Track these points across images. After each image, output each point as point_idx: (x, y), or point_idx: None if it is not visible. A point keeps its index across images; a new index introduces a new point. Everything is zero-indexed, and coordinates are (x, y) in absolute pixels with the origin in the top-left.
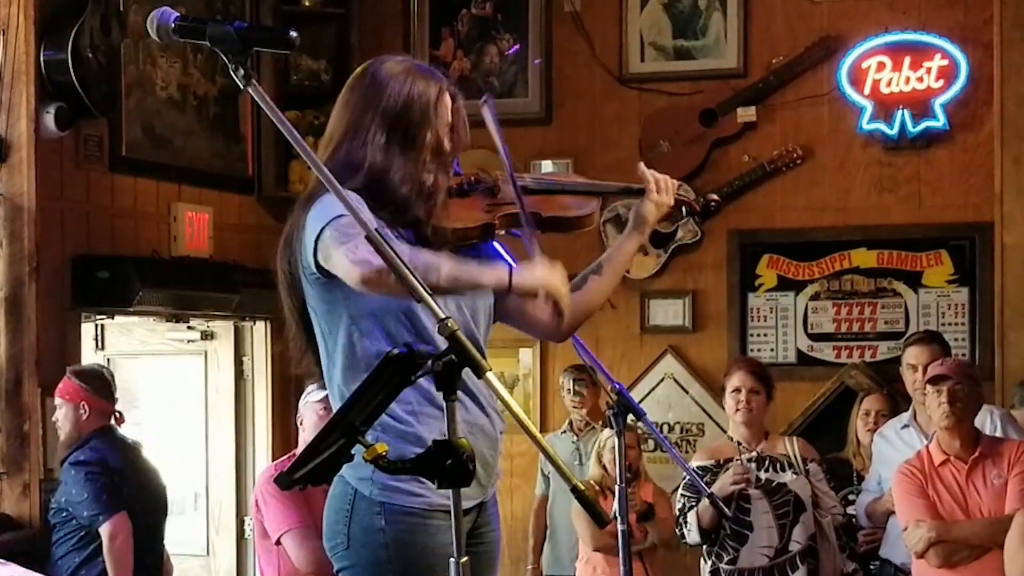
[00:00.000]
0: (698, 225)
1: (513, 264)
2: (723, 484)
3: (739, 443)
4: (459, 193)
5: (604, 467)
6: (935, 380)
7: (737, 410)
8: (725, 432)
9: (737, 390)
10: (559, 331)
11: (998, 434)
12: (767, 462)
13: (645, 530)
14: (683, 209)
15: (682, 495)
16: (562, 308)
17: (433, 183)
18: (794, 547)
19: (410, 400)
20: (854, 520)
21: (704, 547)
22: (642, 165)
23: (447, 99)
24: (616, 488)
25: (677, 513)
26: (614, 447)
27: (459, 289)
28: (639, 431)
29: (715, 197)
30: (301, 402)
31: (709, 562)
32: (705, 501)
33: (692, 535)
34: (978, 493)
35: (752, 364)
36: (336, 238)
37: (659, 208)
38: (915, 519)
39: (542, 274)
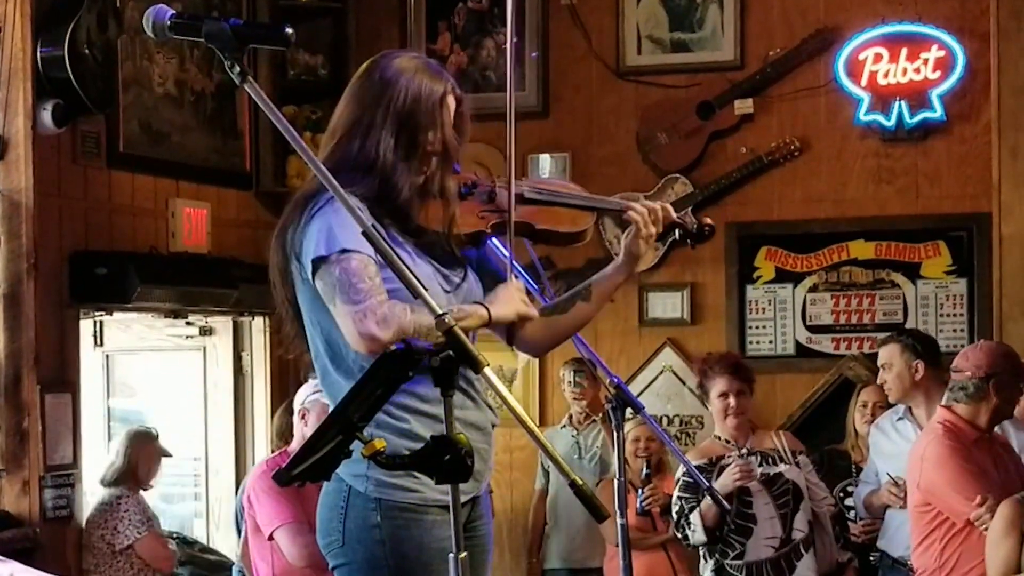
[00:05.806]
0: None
1: (503, 262)
2: (726, 482)
3: (728, 441)
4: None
5: (626, 461)
6: None
7: (727, 416)
8: None
9: (724, 395)
10: (531, 346)
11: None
12: (758, 457)
13: (668, 522)
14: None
15: (678, 498)
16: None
17: (440, 188)
18: (797, 535)
19: (406, 396)
20: (851, 511)
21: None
22: (631, 210)
23: (451, 101)
24: (616, 482)
25: (676, 516)
26: (637, 439)
27: None
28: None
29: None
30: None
31: (712, 560)
32: (707, 500)
33: (697, 535)
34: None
35: (732, 365)
36: (344, 291)
37: (648, 242)
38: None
39: (515, 304)
